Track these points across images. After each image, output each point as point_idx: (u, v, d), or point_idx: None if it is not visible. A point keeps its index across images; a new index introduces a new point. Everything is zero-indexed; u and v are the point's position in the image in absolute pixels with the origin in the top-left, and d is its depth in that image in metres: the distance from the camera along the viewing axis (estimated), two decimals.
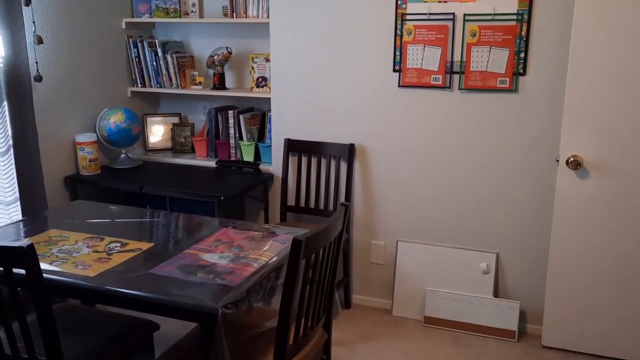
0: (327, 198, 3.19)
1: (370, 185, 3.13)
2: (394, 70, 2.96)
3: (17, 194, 2.91)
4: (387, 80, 2.98)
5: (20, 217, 2.92)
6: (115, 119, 3.28)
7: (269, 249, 2.04)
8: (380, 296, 3.25)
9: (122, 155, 3.43)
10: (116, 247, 2.03)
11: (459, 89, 2.86)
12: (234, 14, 3.33)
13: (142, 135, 3.73)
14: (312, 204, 3.24)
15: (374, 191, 3.13)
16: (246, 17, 3.30)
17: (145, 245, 2.05)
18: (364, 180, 3.14)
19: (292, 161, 3.27)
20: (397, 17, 2.88)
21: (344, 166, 3.14)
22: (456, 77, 2.85)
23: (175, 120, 3.80)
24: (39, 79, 2.92)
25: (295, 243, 1.59)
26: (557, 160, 2.58)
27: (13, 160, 2.87)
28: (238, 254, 1.98)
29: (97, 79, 3.38)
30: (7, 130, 2.83)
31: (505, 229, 2.93)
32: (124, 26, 3.57)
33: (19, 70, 2.81)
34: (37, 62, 2.91)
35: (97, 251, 1.99)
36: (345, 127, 3.12)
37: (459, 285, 3.01)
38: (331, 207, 3.19)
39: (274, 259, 1.96)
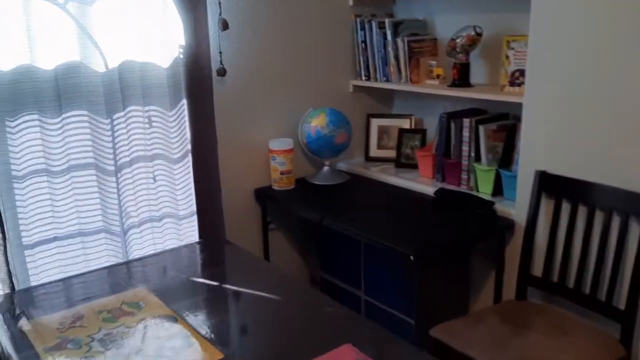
0: (597, 277, 1.91)
1: None
2: None
3: (194, 208, 2.48)
4: None
5: (196, 233, 2.49)
6: (316, 123, 2.59)
7: None
8: None
9: (325, 168, 2.73)
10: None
11: None
12: None
13: (365, 140, 2.97)
14: (571, 282, 2.00)
15: None
16: None
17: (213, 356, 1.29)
18: None
19: (546, 206, 2.07)
20: None
21: (635, 230, 1.81)
22: None
23: (406, 124, 2.92)
24: (222, 72, 2.40)
25: None
26: None
27: (191, 169, 2.43)
28: None
29: (304, 70, 2.73)
30: (185, 134, 2.40)
31: None
32: (351, 2, 2.82)
33: (200, 62, 2.33)
34: (220, 52, 2.38)
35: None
36: None
37: None
38: (604, 294, 1.90)
39: None
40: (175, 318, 1.43)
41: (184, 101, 2.36)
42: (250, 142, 2.60)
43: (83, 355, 1.27)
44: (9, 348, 1.29)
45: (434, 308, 2.22)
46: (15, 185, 2.04)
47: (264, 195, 2.64)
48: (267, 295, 1.53)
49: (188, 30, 2.27)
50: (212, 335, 1.33)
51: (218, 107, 2.42)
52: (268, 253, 2.76)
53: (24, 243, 2.10)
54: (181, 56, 2.30)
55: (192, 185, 2.45)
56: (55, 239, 2.17)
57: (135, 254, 2.35)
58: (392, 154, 2.91)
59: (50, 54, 2.01)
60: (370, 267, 2.37)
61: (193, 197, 2.47)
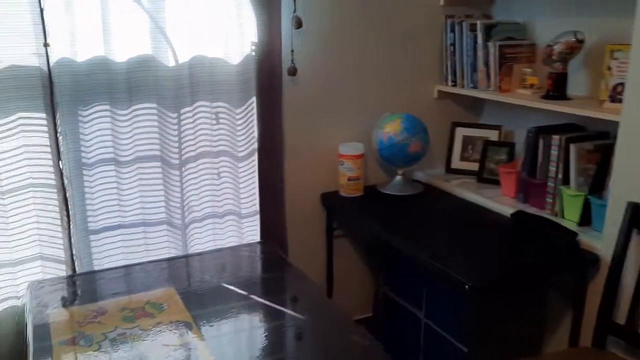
0: None
1: None
2: None
3: (257, 207, 2.45)
4: None
5: (258, 233, 2.46)
6: (389, 129, 2.44)
7: None
8: None
9: (398, 177, 2.57)
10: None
11: None
12: None
13: (447, 150, 2.77)
14: None
15: None
16: None
17: None
18: None
19: (638, 244, 1.77)
20: None
21: None
22: None
23: (494, 136, 2.68)
24: (293, 71, 2.33)
25: None
26: None
27: (256, 168, 2.40)
28: None
29: (384, 71, 2.59)
30: (252, 132, 2.37)
31: None
32: (442, 1, 2.63)
33: (271, 60, 2.28)
34: (292, 51, 2.32)
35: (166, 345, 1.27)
36: None
37: None
38: None
39: None
40: (191, 325, 1.38)
41: (253, 99, 2.32)
42: (320, 145, 2.51)
43: (91, 353, 1.25)
44: (30, 337, 1.32)
45: (495, 343, 2.00)
46: (85, 172, 2.12)
47: (330, 201, 2.55)
48: (292, 313, 1.44)
49: (261, 26, 2.23)
50: (221, 350, 1.27)
51: (288, 107, 2.36)
52: (332, 260, 2.66)
53: (89, 228, 2.18)
54: (253, 53, 2.26)
55: (256, 184, 2.42)
56: (119, 226, 2.23)
57: (195, 248, 2.36)
58: (475, 167, 2.68)
59: (123, 47, 2.06)
60: (432, 288, 2.19)
61: (256, 196, 2.43)
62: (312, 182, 2.54)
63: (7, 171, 2.00)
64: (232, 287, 1.57)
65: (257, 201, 2.44)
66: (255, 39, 2.24)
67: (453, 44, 2.62)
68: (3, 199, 2.01)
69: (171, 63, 2.14)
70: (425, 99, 2.72)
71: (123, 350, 1.26)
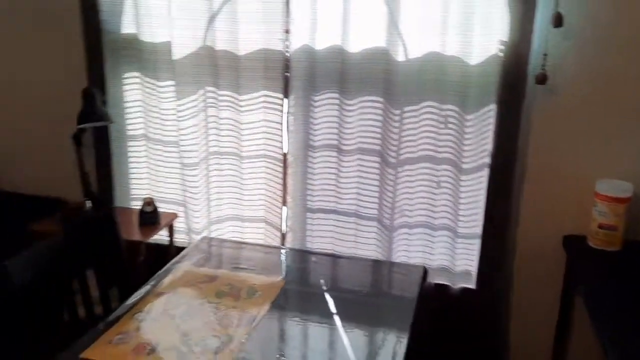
0: None
1: None
2: None
3: (477, 230, 2.15)
4: None
5: (475, 259, 2.18)
6: None
7: None
8: None
9: None
10: None
11: None
12: None
13: None
14: None
15: None
16: None
17: None
18: None
19: None
20: None
21: None
22: None
23: None
24: (542, 79, 1.90)
25: None
26: None
27: (484, 185, 2.11)
28: None
29: None
30: (485, 144, 2.07)
31: None
32: None
33: (518, 64, 1.93)
34: (545, 55, 1.88)
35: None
36: None
37: None
38: None
39: None
40: (252, 322, 1.33)
41: (490, 107, 2.01)
42: (570, 174, 1.99)
43: (157, 313, 1.36)
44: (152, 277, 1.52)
45: None
46: (310, 153, 2.25)
47: (574, 248, 2.00)
48: (348, 353, 1.21)
49: (515, 22, 1.89)
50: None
51: (534, 122, 1.95)
52: (567, 323, 2.11)
53: (307, 205, 2.31)
54: (500, 53, 1.94)
55: (480, 203, 2.11)
56: (334, 211, 2.29)
57: (400, 254, 2.25)
58: None
59: (358, 37, 2.06)
60: None
61: (479, 217, 2.12)
62: (553, 217, 2.04)
63: (248, 140, 2.29)
64: (330, 300, 1.44)
65: (479, 223, 2.13)
66: (504, 37, 1.91)
67: None
68: (242, 162, 2.32)
69: (401, 58, 2.03)
70: None
71: (179, 316, 1.33)
